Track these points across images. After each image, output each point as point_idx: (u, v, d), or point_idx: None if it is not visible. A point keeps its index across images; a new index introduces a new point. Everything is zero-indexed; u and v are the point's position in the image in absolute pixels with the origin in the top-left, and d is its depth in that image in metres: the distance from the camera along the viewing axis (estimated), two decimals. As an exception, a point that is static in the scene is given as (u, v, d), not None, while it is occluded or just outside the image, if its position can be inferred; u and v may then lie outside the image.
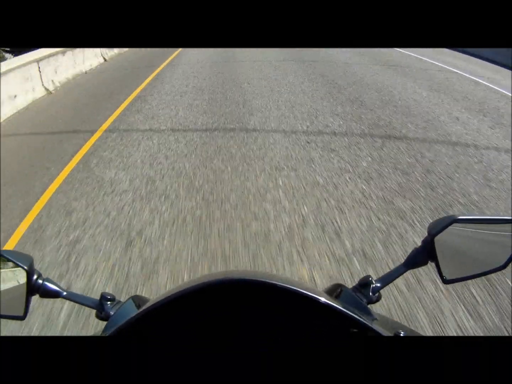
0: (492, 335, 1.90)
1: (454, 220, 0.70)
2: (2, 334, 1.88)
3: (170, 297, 0.58)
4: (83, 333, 1.99)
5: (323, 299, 0.56)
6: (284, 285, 0.57)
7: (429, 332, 1.94)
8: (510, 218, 0.71)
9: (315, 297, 0.56)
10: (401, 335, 0.58)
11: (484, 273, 0.72)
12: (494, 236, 0.74)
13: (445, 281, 0.70)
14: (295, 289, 0.56)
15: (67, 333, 2.01)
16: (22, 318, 0.71)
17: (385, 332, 0.57)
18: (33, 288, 0.72)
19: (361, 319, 0.56)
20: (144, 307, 0.61)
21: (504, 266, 0.71)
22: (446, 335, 1.91)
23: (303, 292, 0.56)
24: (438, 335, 1.91)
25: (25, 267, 0.71)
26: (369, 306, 0.69)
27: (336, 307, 0.56)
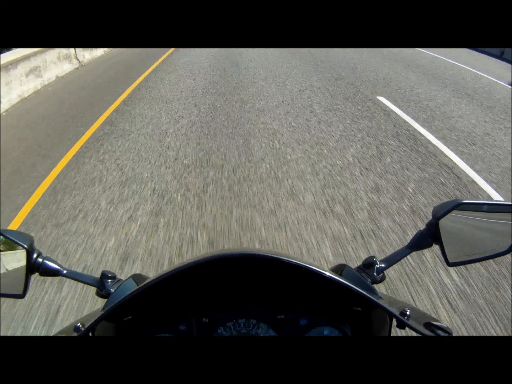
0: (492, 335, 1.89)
1: (458, 204, 0.70)
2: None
3: (168, 273, 0.58)
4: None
5: (328, 274, 0.56)
6: (289, 259, 0.56)
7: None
8: None
9: (320, 271, 0.55)
10: (407, 313, 0.57)
11: (488, 257, 0.71)
12: (498, 220, 0.74)
13: (449, 264, 0.70)
14: (300, 263, 0.55)
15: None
16: (21, 296, 0.70)
17: (391, 309, 0.57)
18: (33, 267, 0.71)
19: (367, 295, 0.56)
20: (143, 284, 0.60)
21: (508, 251, 0.71)
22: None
23: (308, 267, 0.55)
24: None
25: (25, 246, 0.70)
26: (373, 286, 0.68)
27: (343, 282, 0.56)
